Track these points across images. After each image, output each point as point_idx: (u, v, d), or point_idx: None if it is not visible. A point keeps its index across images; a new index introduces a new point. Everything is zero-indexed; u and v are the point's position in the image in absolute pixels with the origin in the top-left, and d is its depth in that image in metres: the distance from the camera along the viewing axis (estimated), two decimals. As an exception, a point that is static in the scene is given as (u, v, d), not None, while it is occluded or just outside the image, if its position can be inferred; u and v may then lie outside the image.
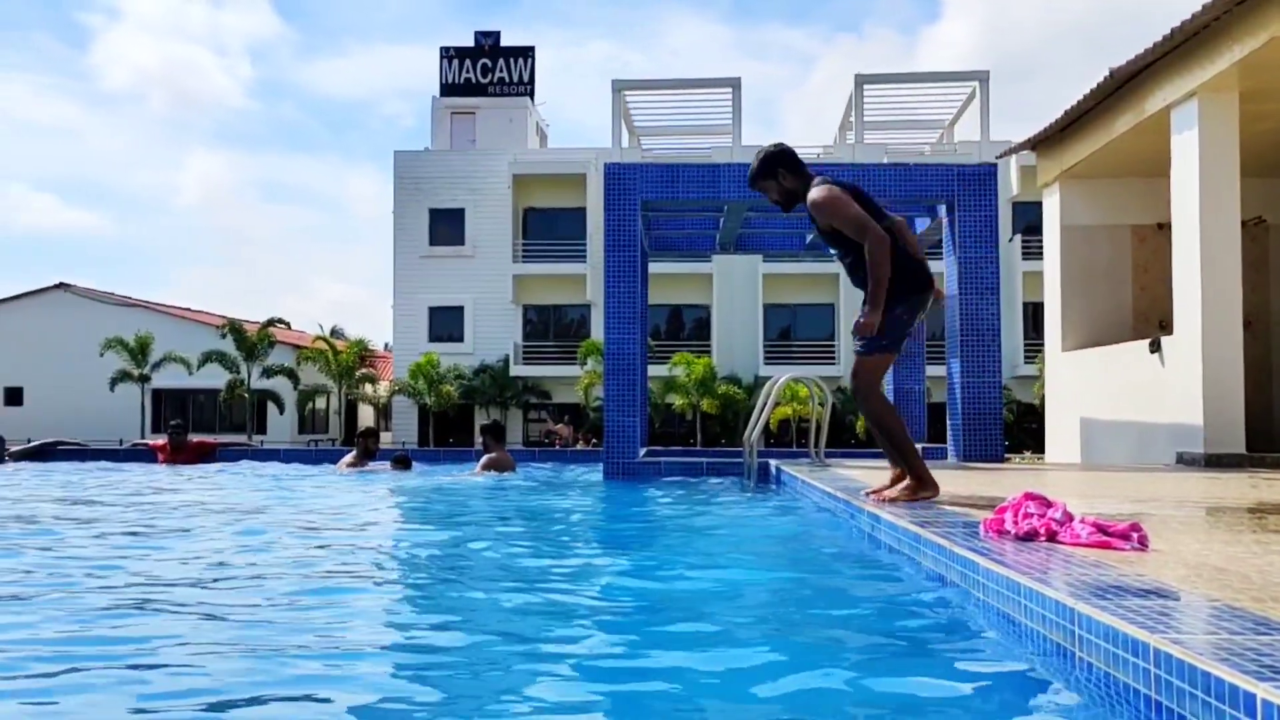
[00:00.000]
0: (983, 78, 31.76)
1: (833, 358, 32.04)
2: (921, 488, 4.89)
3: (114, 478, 9.98)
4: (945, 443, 10.16)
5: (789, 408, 27.08)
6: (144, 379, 31.10)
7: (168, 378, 31.99)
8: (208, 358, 30.85)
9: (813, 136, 72.23)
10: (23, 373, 34.36)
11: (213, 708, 2.32)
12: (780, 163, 5.10)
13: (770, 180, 5.13)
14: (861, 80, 32.46)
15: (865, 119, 32.95)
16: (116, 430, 29.86)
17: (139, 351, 30.96)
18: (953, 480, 6.48)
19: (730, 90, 32.47)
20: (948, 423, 9.86)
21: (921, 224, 11.48)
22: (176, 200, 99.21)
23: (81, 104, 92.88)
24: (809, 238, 12.42)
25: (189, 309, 38.61)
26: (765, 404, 8.96)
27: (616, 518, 6.96)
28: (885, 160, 28.61)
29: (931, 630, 2.99)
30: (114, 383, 30.80)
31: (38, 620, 3.24)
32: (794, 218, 12.32)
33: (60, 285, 35.39)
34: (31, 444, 13.62)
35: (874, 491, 5.09)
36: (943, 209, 10.08)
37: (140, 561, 4.54)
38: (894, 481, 5.12)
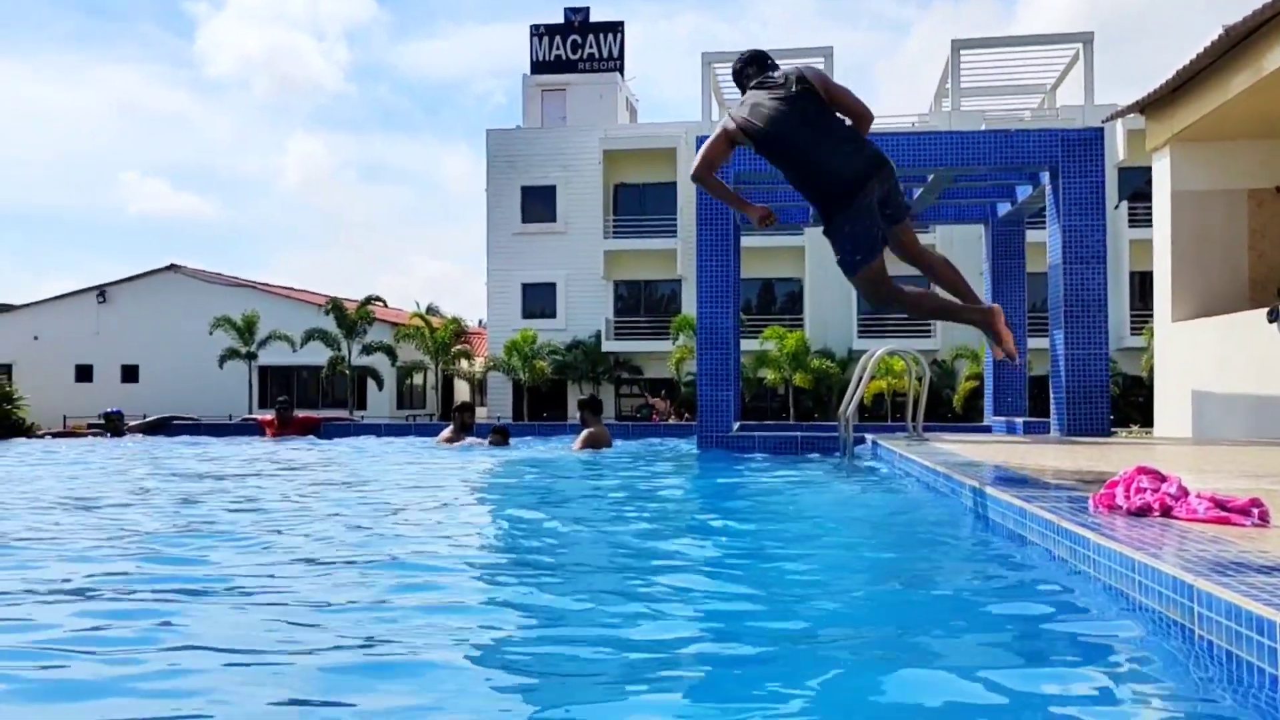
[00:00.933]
0: (1086, 39, 30.62)
1: (929, 330, 31.43)
2: (993, 316, 4.80)
3: (231, 450, 10.38)
4: (1048, 416, 9.91)
5: (884, 381, 26.70)
6: (251, 356, 32.16)
7: (273, 355, 33.03)
8: (310, 335, 31.75)
9: (908, 104, 70.65)
10: (138, 351, 35.85)
11: (297, 670, 2.41)
12: (753, 62, 4.93)
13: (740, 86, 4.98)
14: (958, 45, 31.59)
15: (962, 85, 32.09)
16: (225, 406, 30.99)
17: (246, 330, 32.02)
18: (1057, 455, 6.32)
19: (822, 60, 31.92)
20: (1051, 396, 9.61)
21: (1023, 191, 11.17)
22: (279, 183, 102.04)
23: (188, 91, 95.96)
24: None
25: (292, 288, 39.76)
26: (861, 378, 8.86)
27: (713, 493, 6.97)
28: (984, 127, 27.84)
29: (1040, 606, 2.93)
30: (222, 360, 31.93)
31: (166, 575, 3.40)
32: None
33: (171, 267, 36.77)
34: (148, 419, 14.24)
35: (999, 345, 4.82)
36: (1045, 176, 9.79)
37: (259, 529, 4.73)
38: (990, 328, 4.87)
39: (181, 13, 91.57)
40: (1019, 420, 11.18)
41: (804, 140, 4.51)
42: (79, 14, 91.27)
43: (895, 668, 2.39)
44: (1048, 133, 9.54)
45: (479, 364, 36.30)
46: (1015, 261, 12.15)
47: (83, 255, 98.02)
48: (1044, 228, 10.11)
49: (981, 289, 16.86)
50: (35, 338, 36.04)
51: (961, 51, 31.79)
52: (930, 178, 10.46)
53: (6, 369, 34.29)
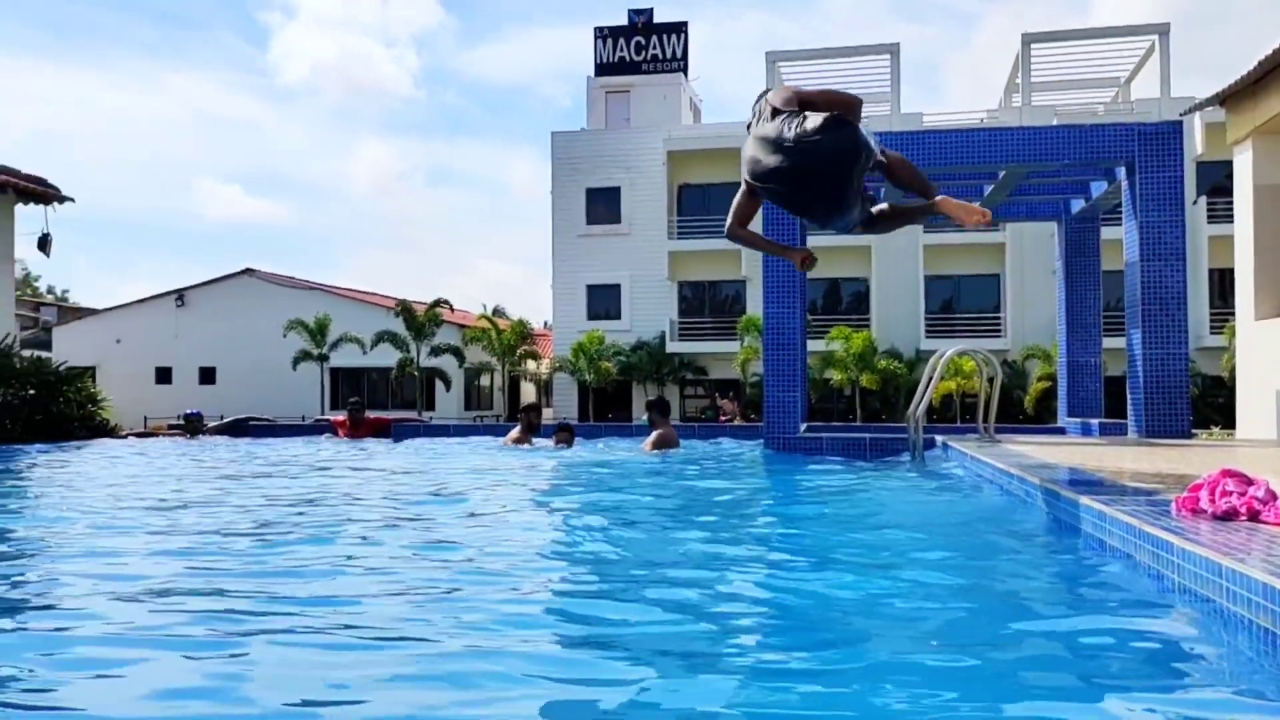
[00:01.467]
0: (1162, 30, 29.83)
1: (999, 330, 30.91)
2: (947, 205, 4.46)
3: (307, 450, 10.61)
4: (1125, 418, 9.69)
5: (953, 382, 26.29)
6: (323, 358, 32.78)
7: (344, 357, 33.61)
8: (380, 338, 32.25)
9: (976, 100, 69.50)
10: (215, 353, 36.75)
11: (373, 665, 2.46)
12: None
13: None
14: (1029, 39, 31.01)
15: (1033, 80, 31.49)
16: (298, 407, 31.63)
17: (318, 332, 32.64)
18: (1136, 457, 6.19)
19: (888, 56, 31.58)
20: (1128, 397, 9.39)
21: (1098, 187, 10.93)
22: (349, 187, 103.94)
23: (262, 99, 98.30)
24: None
25: (361, 291, 40.44)
26: (931, 378, 8.76)
27: (781, 496, 6.95)
28: (1055, 122, 27.28)
29: (1120, 613, 2.88)
30: (296, 362, 32.58)
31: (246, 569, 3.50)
32: (965, 185, 11.94)
33: (247, 271, 37.65)
34: (226, 420, 14.60)
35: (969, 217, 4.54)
36: (1121, 171, 9.57)
37: (334, 527, 4.83)
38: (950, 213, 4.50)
39: (256, 22, 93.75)
40: (1094, 421, 10.95)
41: (785, 174, 4.17)
42: (158, 25, 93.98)
43: (965, 672, 2.37)
44: (1123, 127, 9.33)
45: (545, 365, 36.55)
46: (1090, 259, 11.89)
47: (162, 260, 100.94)
48: (1120, 224, 9.87)
49: (1054, 287, 16.49)
50: (117, 341, 37.14)
51: (1032, 45, 31.21)
52: (1001, 174, 10.29)
53: (90, 371, 35.42)
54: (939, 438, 8.85)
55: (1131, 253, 9.23)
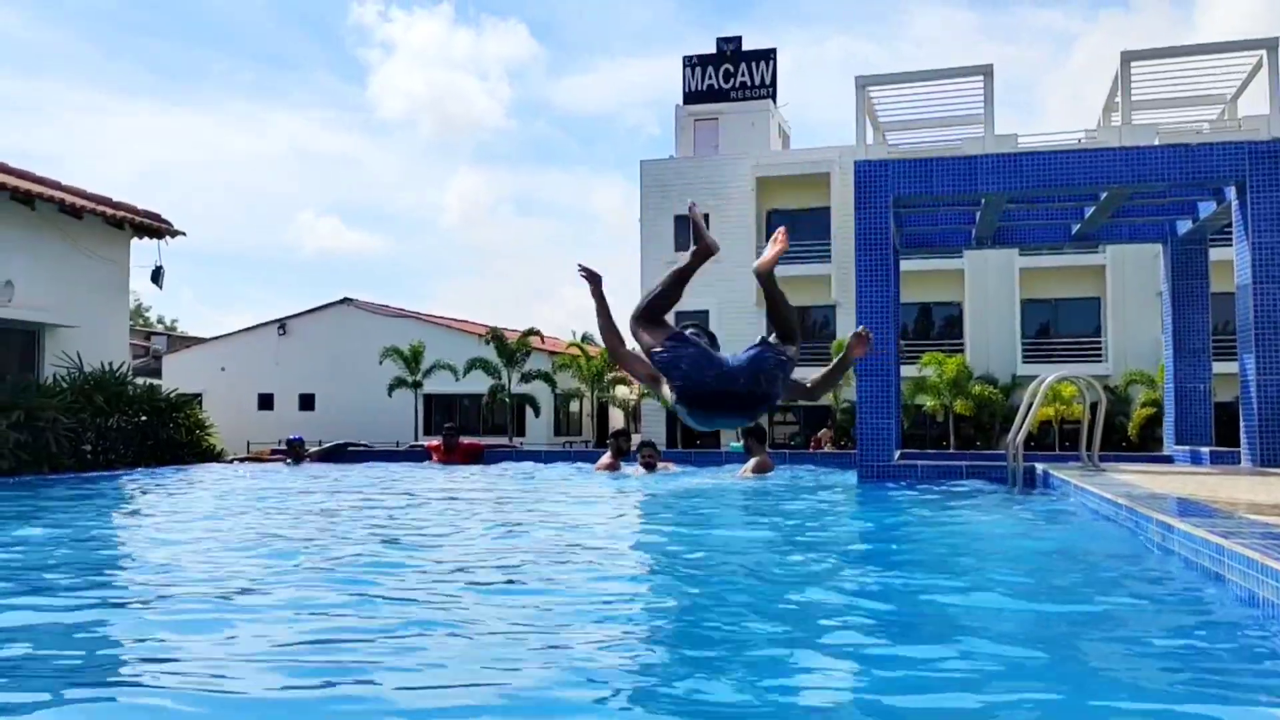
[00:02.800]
0: (1271, 45, 28.78)
1: (1099, 354, 30.03)
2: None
3: (405, 473, 10.83)
4: (1237, 446, 9.31)
5: (1051, 409, 25.61)
6: (417, 385, 33.44)
7: (437, 383, 34.25)
8: (472, 364, 32.79)
9: (1074, 120, 68.02)
10: (314, 380, 37.81)
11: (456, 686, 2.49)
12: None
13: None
14: (1129, 57, 30.23)
15: (1133, 98, 30.66)
16: (394, 432, 32.28)
17: (412, 359, 33.35)
18: (1252, 487, 5.94)
19: (982, 78, 31.08)
20: (1241, 424, 9.03)
21: (1205, 208, 10.58)
22: (441, 218, 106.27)
23: (360, 133, 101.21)
24: (1075, 228, 11.72)
25: (453, 319, 41.22)
26: (1031, 404, 8.55)
27: (876, 524, 6.84)
28: (1157, 141, 26.51)
29: (1243, 657, 2.76)
30: (391, 388, 33.31)
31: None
32: (1058, 207, 11.67)
33: (345, 300, 38.72)
34: (326, 445, 14.99)
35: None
36: (1231, 191, 9.25)
37: (431, 551, 4.92)
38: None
39: (355, 60, 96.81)
40: (1205, 450, 10.53)
41: (725, 400, 4.64)
42: (259, 65, 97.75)
43: (1074, 713, 2.30)
44: (1233, 146, 9.02)
45: (634, 391, 36.68)
46: (1198, 282, 11.49)
47: (264, 290, 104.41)
48: (1229, 245, 9.53)
49: (1159, 310, 15.90)
50: (222, 368, 38.47)
51: (1132, 63, 30.43)
52: (1103, 196, 10.04)
53: (197, 398, 36.76)
54: (1039, 466, 8.62)
55: (1243, 275, 8.90)
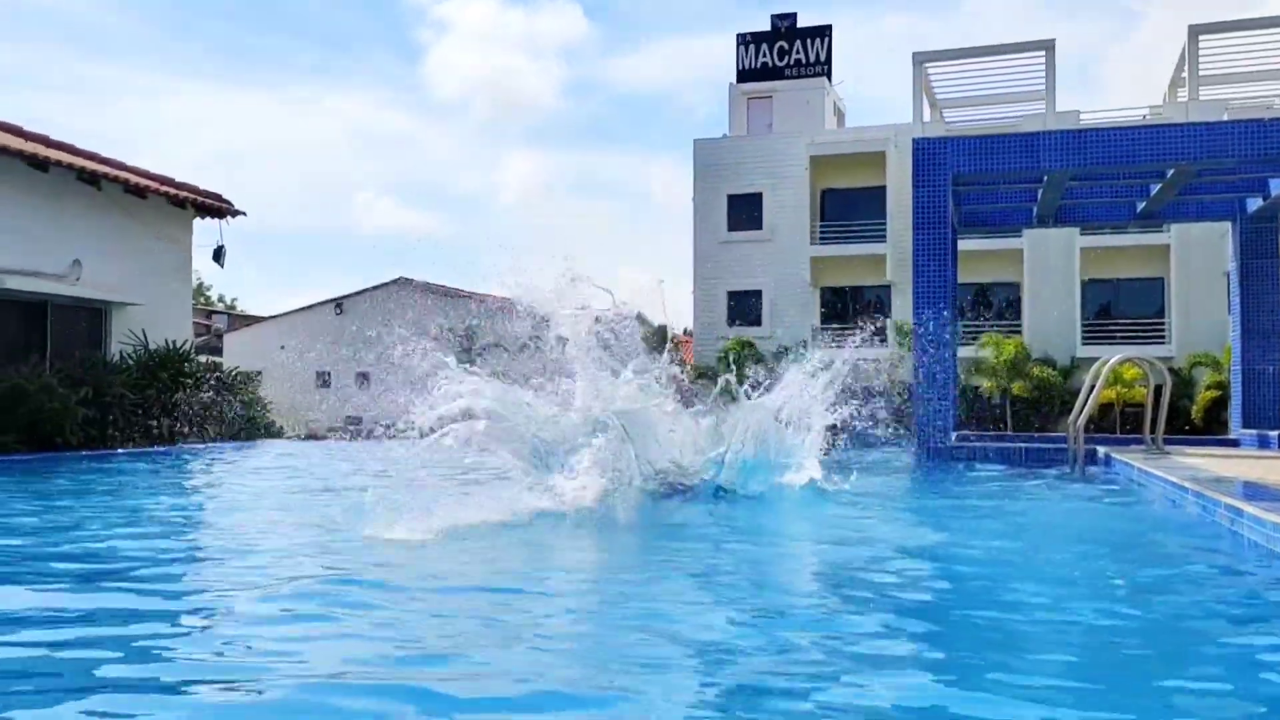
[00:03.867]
0: (1347, 16, 27.82)
1: (1162, 336, 29.34)
2: None
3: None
4: (1308, 430, 9.06)
5: (1111, 391, 25.09)
6: (470, 363, 33.76)
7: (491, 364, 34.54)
8: (524, 345, 33.01)
9: (1139, 96, 66.41)
10: (370, 358, 38.34)
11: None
12: None
13: None
14: (1197, 30, 29.39)
15: (1201, 73, 29.81)
16: (449, 411, 32.56)
17: (467, 339, 33.68)
18: (1324, 472, 5.79)
19: (1043, 53, 30.42)
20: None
21: (1277, 185, 10.29)
22: (496, 198, 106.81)
23: (416, 114, 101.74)
24: (1140, 207, 11.46)
25: (506, 299, 41.42)
26: (1093, 386, 8.40)
27: (935, 507, 6.78)
28: (1226, 117, 25.77)
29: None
30: (446, 367, 33.63)
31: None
32: (1123, 183, 11.43)
33: (400, 280, 39.14)
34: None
35: None
36: (1305, 167, 8.98)
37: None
38: None
39: (410, 40, 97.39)
40: (1273, 433, 10.28)
41: None
42: (318, 47, 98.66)
43: (1140, 694, 2.27)
44: (1307, 120, 8.75)
45: (687, 372, 36.65)
46: (1268, 261, 11.19)
47: (323, 270, 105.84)
48: (1303, 224, 9.27)
49: (1225, 291, 15.47)
50: (281, 347, 39.13)
51: (1201, 37, 29.59)
52: (1169, 173, 9.80)
53: (257, 375, 37.46)
54: (1100, 449, 8.48)
55: (1317, 254, 8.65)
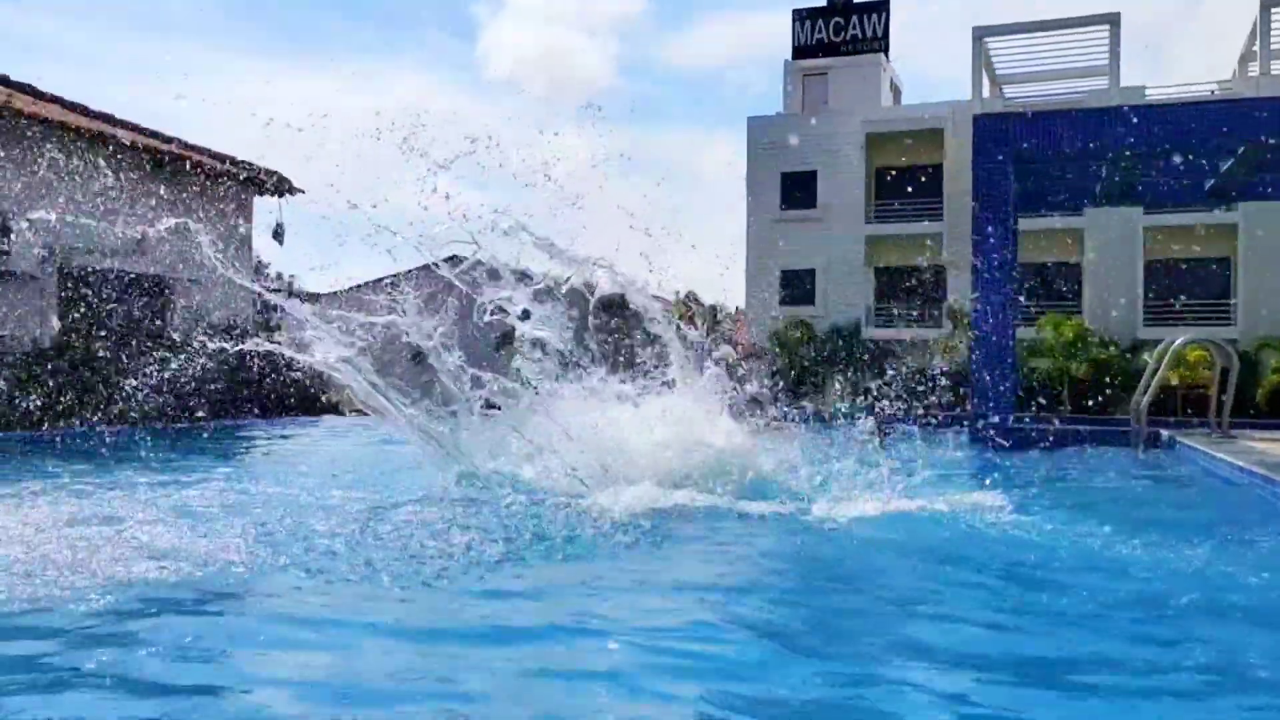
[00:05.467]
0: None
1: (1227, 318, 28.62)
2: None
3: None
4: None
5: (1174, 373, 24.55)
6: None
7: (546, 342, 34.70)
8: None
9: (1207, 71, 64.51)
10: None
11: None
12: None
13: None
14: (1269, 3, 28.46)
15: (1273, 47, 28.90)
16: (500, 388, 32.83)
17: (523, 319, 33.87)
18: (1402, 458, 5.61)
19: (1107, 27, 29.70)
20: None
21: (1354, 162, 9.96)
22: (548, 176, 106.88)
23: (470, 92, 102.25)
24: (1209, 184, 11.16)
25: (560, 279, 41.55)
26: (1158, 369, 8.23)
27: (996, 489, 6.70)
28: (1299, 92, 24.95)
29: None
30: (499, 345, 33.89)
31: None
32: (1192, 161, 11.14)
33: (452, 258, 39.41)
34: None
35: None
36: (1385, 143, 8.68)
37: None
38: None
39: (465, 17, 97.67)
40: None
41: None
42: (373, 25, 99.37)
43: (1205, 686, 2.22)
44: (1389, 94, 8.44)
45: (739, 352, 36.60)
46: (1342, 241, 10.85)
47: (378, 247, 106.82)
48: (1381, 202, 8.96)
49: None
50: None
51: (1273, 9, 28.67)
52: (1240, 150, 9.53)
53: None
54: (1164, 432, 8.32)
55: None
